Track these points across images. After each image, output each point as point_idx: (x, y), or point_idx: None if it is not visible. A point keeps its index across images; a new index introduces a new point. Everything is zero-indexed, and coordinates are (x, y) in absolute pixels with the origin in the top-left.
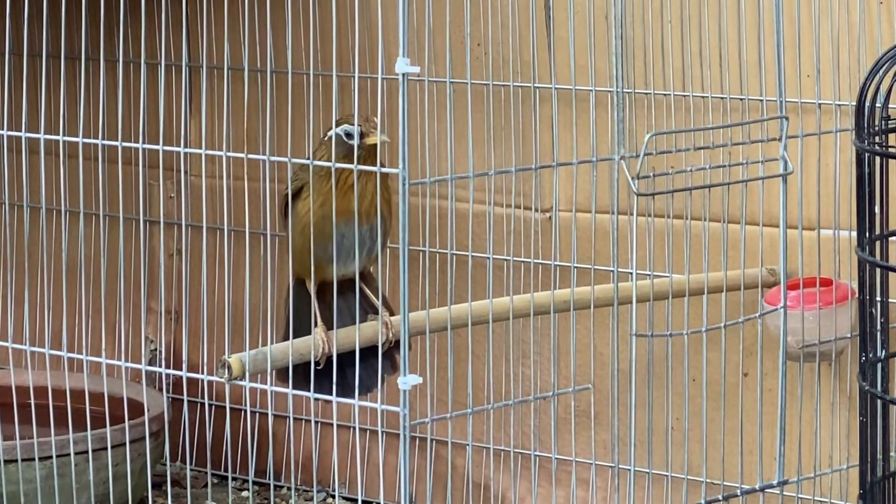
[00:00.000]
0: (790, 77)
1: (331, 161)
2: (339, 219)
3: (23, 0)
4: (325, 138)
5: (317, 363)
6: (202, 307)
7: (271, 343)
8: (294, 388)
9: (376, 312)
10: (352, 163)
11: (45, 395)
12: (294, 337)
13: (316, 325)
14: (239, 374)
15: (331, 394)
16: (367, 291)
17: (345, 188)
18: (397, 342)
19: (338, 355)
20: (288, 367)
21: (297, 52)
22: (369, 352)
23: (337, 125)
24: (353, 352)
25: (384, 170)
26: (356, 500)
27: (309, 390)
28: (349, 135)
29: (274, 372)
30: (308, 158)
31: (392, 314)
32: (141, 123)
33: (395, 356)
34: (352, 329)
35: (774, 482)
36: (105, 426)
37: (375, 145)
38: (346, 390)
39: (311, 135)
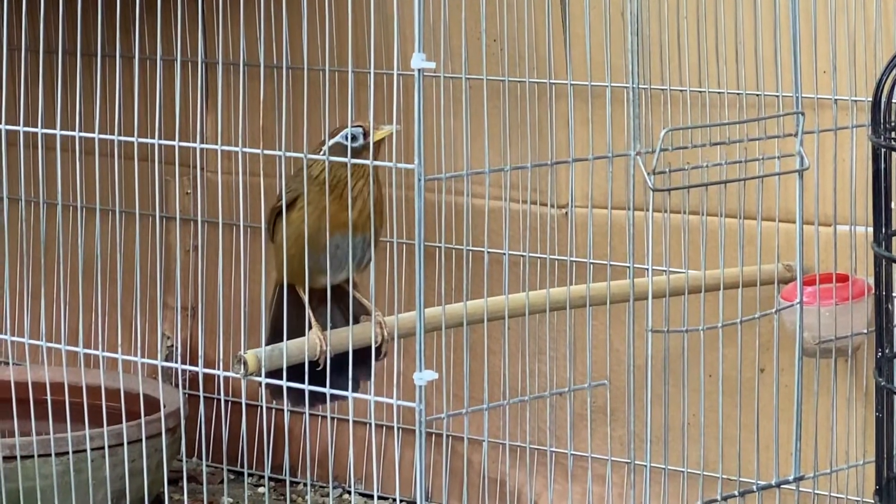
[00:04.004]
0: (806, 73)
1: (326, 175)
2: (335, 231)
3: None
4: (321, 153)
5: (316, 364)
6: (218, 303)
7: (277, 342)
8: (288, 390)
9: (368, 314)
10: (353, 170)
11: (62, 391)
12: (288, 339)
13: (311, 327)
14: (255, 370)
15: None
16: (358, 295)
17: (341, 199)
18: (369, 350)
19: (319, 360)
20: (281, 369)
21: (312, 47)
22: (345, 359)
23: (333, 136)
24: (338, 356)
25: (400, 165)
26: (372, 496)
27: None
28: (354, 137)
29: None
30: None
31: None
32: (157, 119)
33: (369, 363)
34: (345, 330)
35: (790, 478)
36: (121, 422)
37: (380, 141)
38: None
39: (326, 131)
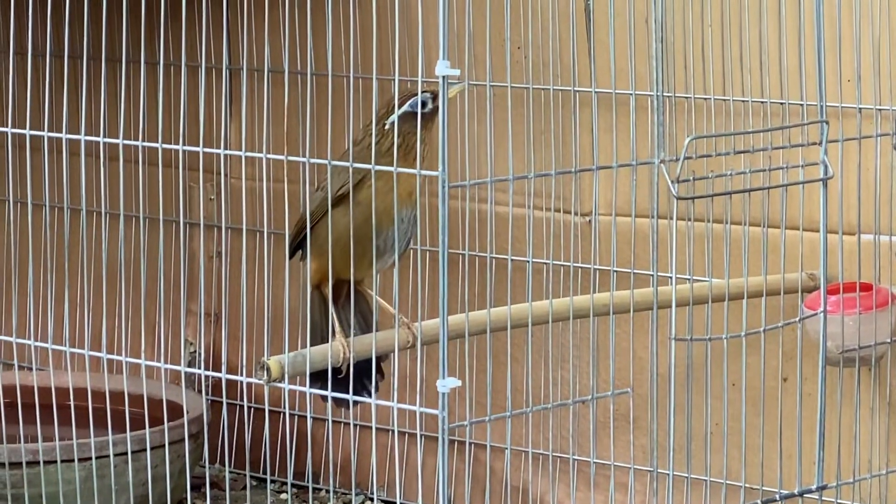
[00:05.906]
0: (830, 81)
1: (401, 140)
2: (404, 203)
3: (63, 3)
4: (387, 126)
5: (338, 371)
6: (241, 309)
7: (308, 346)
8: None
9: (390, 318)
10: (422, 135)
11: (85, 397)
12: (313, 345)
13: (334, 332)
14: (278, 377)
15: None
16: (381, 300)
17: (408, 164)
18: (369, 364)
19: (337, 367)
20: (312, 372)
21: (337, 54)
22: (361, 367)
23: (401, 104)
24: (359, 362)
25: (424, 172)
26: (394, 503)
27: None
28: (424, 103)
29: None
30: (349, 161)
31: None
32: (181, 126)
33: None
34: (368, 337)
35: (813, 487)
36: (144, 428)
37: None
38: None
39: (350, 137)
